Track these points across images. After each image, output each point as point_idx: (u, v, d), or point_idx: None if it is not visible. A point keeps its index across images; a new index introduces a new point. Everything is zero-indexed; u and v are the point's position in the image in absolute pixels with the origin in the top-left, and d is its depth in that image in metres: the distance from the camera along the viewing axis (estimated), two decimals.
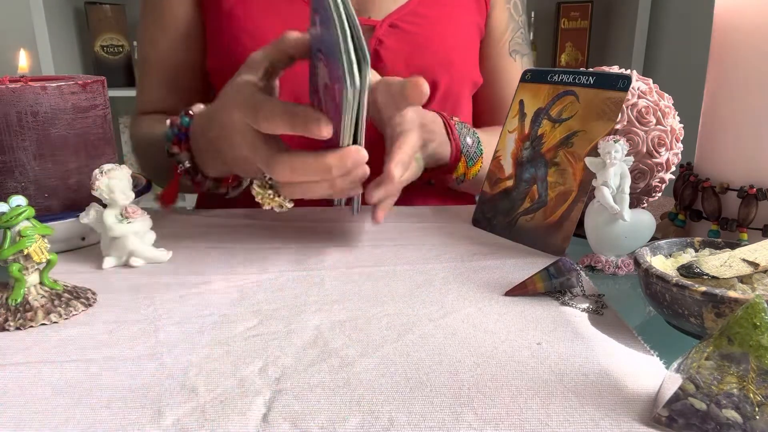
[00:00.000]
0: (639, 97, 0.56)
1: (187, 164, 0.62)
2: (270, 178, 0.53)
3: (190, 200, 1.94)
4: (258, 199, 0.54)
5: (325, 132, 0.47)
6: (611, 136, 0.50)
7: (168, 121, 0.62)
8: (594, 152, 0.53)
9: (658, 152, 0.56)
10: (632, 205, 0.54)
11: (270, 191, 0.54)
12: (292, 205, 0.55)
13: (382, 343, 0.39)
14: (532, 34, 1.98)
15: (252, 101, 0.51)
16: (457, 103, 0.84)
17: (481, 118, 0.93)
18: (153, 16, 0.82)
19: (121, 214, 0.52)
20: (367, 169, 0.52)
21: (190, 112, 0.62)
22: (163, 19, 0.81)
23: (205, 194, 0.89)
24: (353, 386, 0.35)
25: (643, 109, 0.55)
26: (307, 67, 0.56)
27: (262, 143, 0.52)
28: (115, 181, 0.51)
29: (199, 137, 0.60)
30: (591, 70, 0.58)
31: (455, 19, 0.82)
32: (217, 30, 0.78)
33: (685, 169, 0.58)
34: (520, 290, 0.46)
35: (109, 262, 0.53)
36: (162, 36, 0.81)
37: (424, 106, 0.68)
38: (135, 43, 1.76)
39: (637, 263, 0.42)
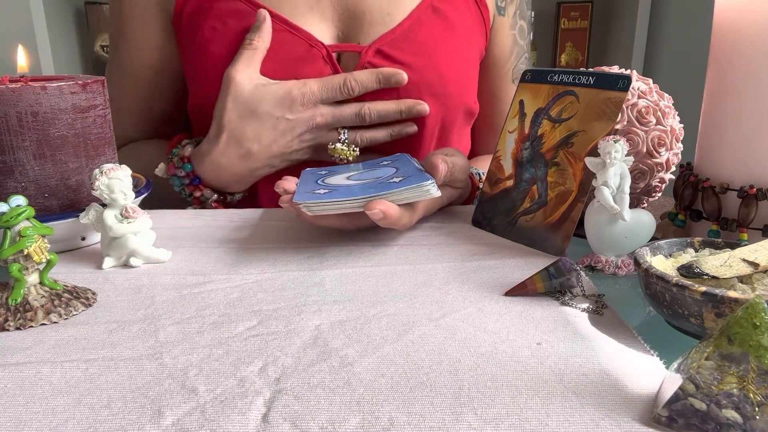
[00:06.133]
0: (639, 97, 0.56)
1: (215, 197, 0.72)
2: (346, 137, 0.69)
3: None
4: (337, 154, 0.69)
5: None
6: (611, 136, 0.50)
7: (164, 170, 0.72)
8: (594, 152, 0.53)
9: (658, 152, 0.56)
10: (632, 205, 0.54)
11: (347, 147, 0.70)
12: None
13: (382, 343, 0.39)
14: (531, 34, 1.97)
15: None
16: (448, 137, 0.78)
17: (474, 143, 0.88)
18: (120, 59, 0.80)
19: (121, 214, 0.52)
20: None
21: (185, 156, 0.71)
22: (131, 60, 0.79)
23: None
24: (353, 386, 0.35)
25: (643, 109, 0.55)
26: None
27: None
28: (115, 181, 0.51)
29: (218, 165, 0.69)
30: (591, 70, 0.58)
31: (451, 40, 0.75)
32: (194, 67, 0.76)
33: (685, 169, 0.58)
34: (520, 290, 0.46)
35: (109, 262, 0.53)
36: (129, 81, 0.80)
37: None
38: None
39: (637, 263, 0.42)
